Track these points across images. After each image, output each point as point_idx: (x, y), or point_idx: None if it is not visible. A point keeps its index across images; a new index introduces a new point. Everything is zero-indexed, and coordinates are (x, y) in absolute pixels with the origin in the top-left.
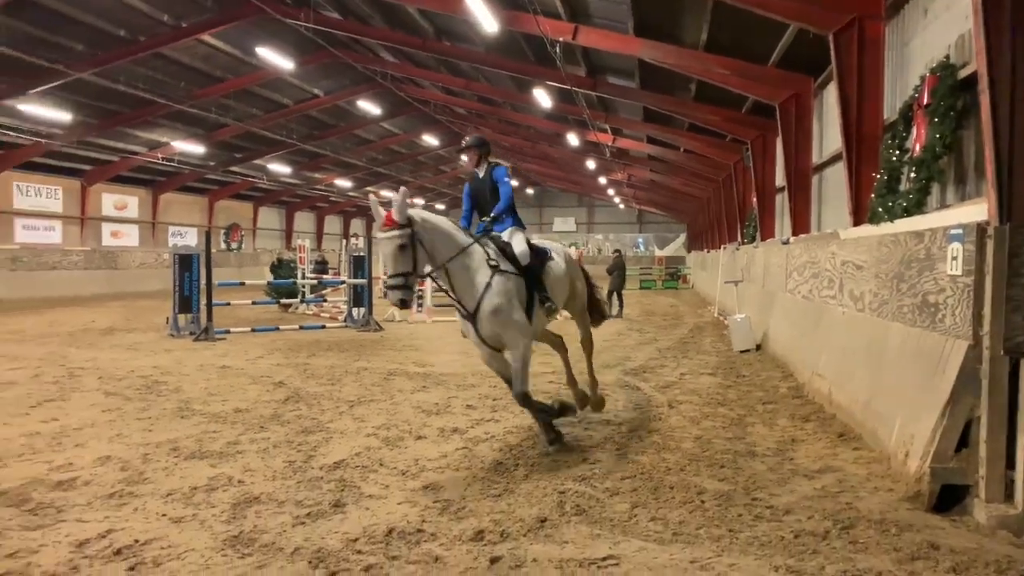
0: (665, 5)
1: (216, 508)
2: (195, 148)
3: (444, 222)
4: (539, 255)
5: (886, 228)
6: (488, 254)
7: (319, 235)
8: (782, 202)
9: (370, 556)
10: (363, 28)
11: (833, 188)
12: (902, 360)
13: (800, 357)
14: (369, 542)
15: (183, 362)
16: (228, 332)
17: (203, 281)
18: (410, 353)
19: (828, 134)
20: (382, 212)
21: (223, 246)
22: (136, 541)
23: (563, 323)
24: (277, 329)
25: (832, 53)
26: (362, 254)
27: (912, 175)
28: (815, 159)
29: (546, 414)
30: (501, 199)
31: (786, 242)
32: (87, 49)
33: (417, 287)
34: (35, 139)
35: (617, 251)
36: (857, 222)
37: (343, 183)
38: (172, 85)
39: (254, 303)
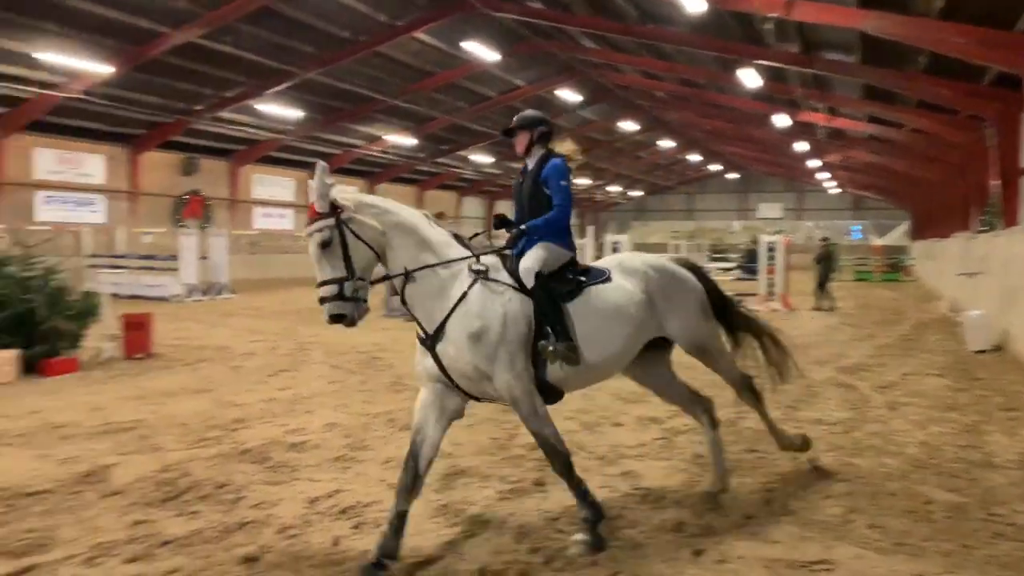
0: None
1: (427, 477)
2: (407, 140)
3: (401, 209)
4: (578, 275)
5: None
6: (481, 265)
7: None
8: None
9: (571, 536)
10: (566, 16)
11: None
12: None
13: None
14: (570, 523)
15: (398, 340)
16: None
17: None
18: None
19: None
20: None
21: None
22: (359, 502)
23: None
24: None
25: None
26: None
27: None
28: None
29: (594, 508)
30: (554, 207)
31: None
32: (316, 51)
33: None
34: (272, 135)
35: (825, 239)
36: None
37: None
38: (387, 81)
39: None
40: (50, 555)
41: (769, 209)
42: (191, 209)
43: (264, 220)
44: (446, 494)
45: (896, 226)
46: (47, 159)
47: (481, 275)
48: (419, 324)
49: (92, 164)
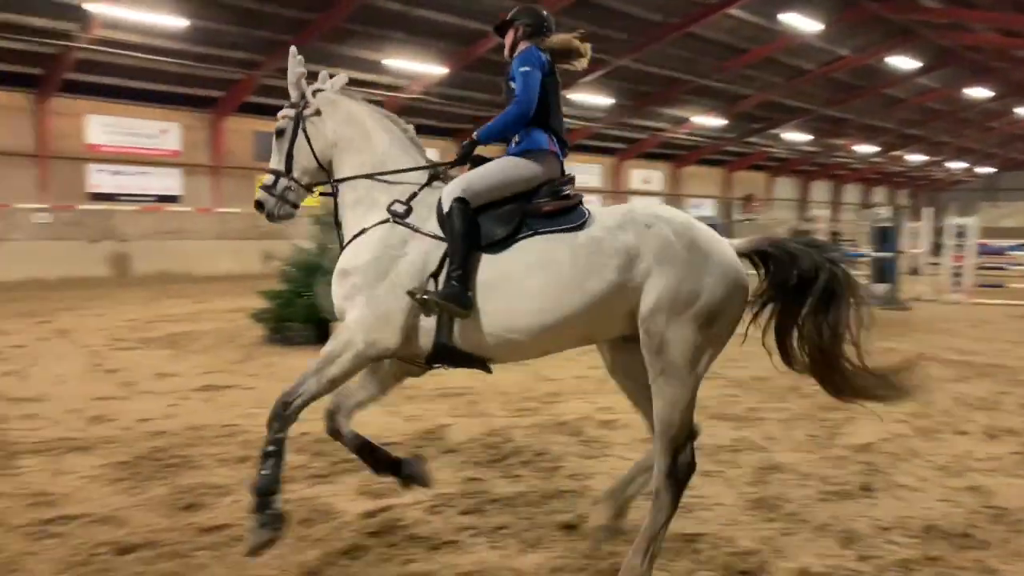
0: None
1: (741, 469)
2: (714, 121)
3: (368, 113)
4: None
5: None
6: (416, 197)
7: (835, 205)
8: None
9: (906, 549)
10: None
11: None
12: None
13: None
14: (904, 534)
15: None
16: None
17: None
18: (943, 337)
19: None
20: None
21: (738, 216)
22: None
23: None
24: None
25: None
26: (887, 224)
27: None
28: None
29: (262, 479)
30: (512, 102)
31: None
32: (628, 37)
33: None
34: (583, 124)
35: None
36: None
37: (865, 149)
38: (698, 62)
39: None
40: (401, 500)
41: None
42: None
43: None
44: (761, 488)
45: None
46: None
47: (393, 217)
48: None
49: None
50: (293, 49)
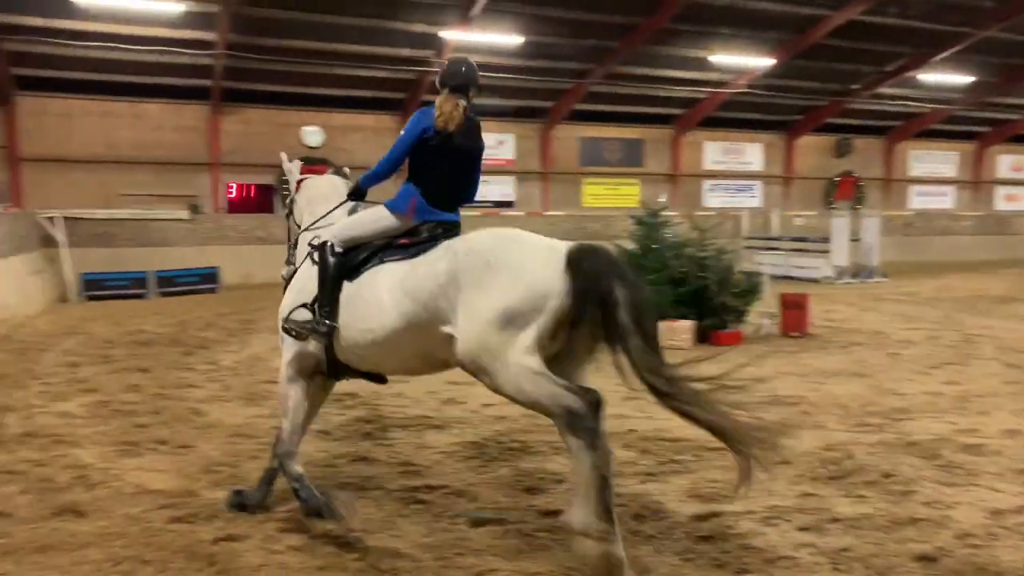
0: None
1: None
2: None
3: (313, 188)
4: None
5: None
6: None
7: None
8: None
9: None
10: None
11: None
12: None
13: None
14: None
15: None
16: None
17: None
18: None
19: None
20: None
21: None
22: None
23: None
24: None
25: None
26: None
27: None
28: None
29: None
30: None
31: None
32: (995, 4)
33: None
34: (934, 107)
35: None
36: None
37: None
38: None
39: None
40: (731, 507)
41: None
42: (843, 191)
43: (920, 199)
44: None
45: None
46: (714, 151)
47: (313, 251)
48: None
49: (751, 152)
50: (282, 155)
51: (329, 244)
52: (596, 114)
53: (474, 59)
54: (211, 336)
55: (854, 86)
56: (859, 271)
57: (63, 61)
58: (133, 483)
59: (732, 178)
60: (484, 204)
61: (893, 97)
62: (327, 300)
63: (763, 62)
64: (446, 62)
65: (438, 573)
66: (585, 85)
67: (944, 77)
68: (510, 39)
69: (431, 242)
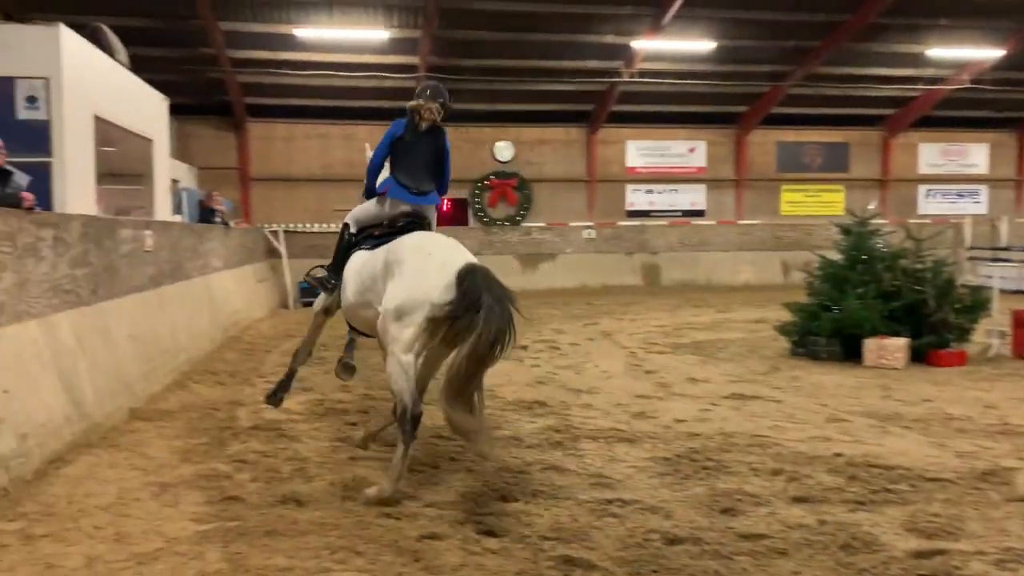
0: None
1: None
2: None
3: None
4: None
5: None
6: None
7: None
8: None
9: None
10: None
11: None
12: None
13: None
14: None
15: None
16: None
17: None
18: None
19: None
20: None
21: None
22: None
23: None
24: None
25: None
26: None
27: None
28: None
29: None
30: None
31: None
32: None
33: None
34: None
35: None
36: None
37: None
38: None
39: None
40: (958, 544)
41: None
42: None
43: None
44: None
45: None
46: (930, 153)
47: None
48: None
49: (975, 154)
50: (366, 145)
51: (345, 223)
52: (795, 117)
53: (663, 66)
54: None
55: None
56: None
57: (286, 89)
58: (346, 477)
59: (952, 182)
60: (673, 213)
61: None
62: (336, 265)
63: (991, 53)
64: (423, 84)
65: None
66: (783, 88)
67: None
68: (702, 44)
69: (389, 237)
